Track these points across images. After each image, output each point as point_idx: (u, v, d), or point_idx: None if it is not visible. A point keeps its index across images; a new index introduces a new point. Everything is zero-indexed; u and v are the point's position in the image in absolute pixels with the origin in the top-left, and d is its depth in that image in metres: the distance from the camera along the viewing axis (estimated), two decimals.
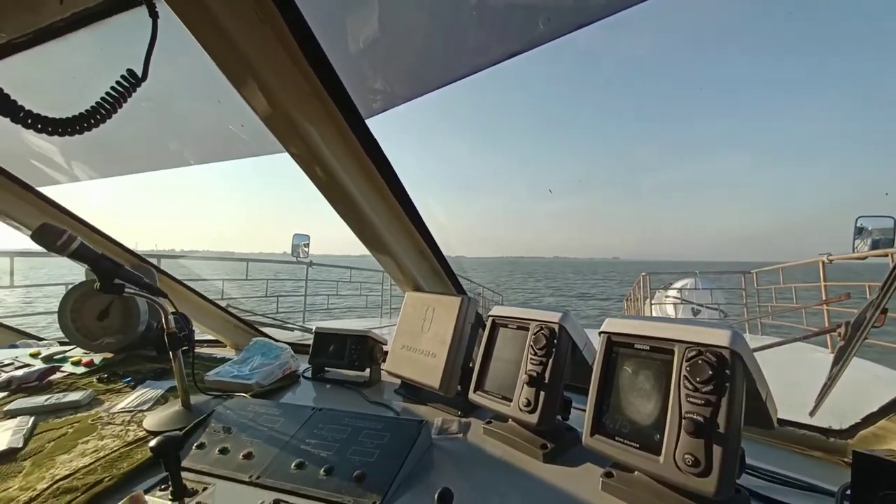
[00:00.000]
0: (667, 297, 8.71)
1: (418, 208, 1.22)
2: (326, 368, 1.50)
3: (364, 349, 1.40)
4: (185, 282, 1.93)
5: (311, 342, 1.54)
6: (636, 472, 0.81)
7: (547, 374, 0.95)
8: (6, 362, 1.67)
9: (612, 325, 0.86)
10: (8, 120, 1.67)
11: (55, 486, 0.92)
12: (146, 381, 1.44)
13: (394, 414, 1.20)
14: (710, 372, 0.69)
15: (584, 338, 1.01)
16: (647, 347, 0.80)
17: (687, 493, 0.72)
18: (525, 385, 0.96)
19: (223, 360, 1.60)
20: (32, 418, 1.21)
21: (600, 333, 0.88)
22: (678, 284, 9.04)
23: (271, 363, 1.43)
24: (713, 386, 0.68)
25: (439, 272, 1.39)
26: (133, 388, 1.40)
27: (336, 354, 1.44)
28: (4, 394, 1.40)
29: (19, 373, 1.48)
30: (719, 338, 0.71)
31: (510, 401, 1.00)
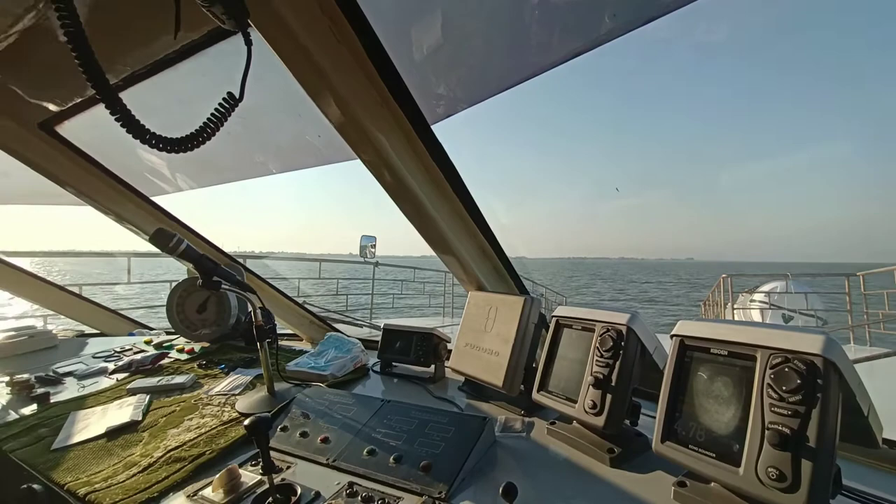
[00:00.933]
0: (752, 301, 7.90)
1: (480, 209, 1.25)
2: (394, 363, 1.57)
3: (429, 346, 1.45)
4: (268, 280, 2.12)
5: (378, 338, 1.63)
6: (712, 483, 0.77)
7: (614, 377, 0.92)
8: (127, 347, 1.95)
9: (686, 328, 0.82)
10: (127, 140, 1.94)
11: (167, 455, 1.07)
12: (237, 369, 1.61)
13: (458, 409, 1.23)
14: (799, 381, 0.64)
15: (654, 341, 0.97)
16: (725, 353, 0.76)
17: None
18: (590, 387, 0.94)
19: (301, 353, 1.74)
20: (148, 396, 1.41)
21: (672, 336, 0.84)
22: (766, 288, 8.16)
23: (344, 356, 1.54)
24: (801, 396, 0.63)
25: (502, 272, 1.40)
26: (226, 374, 1.57)
27: (403, 350, 1.51)
28: (126, 374, 1.63)
29: (137, 357, 1.72)
30: (810, 344, 0.66)
31: (575, 402, 0.99)
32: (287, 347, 1.96)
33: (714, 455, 0.71)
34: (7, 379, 1.54)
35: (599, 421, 0.91)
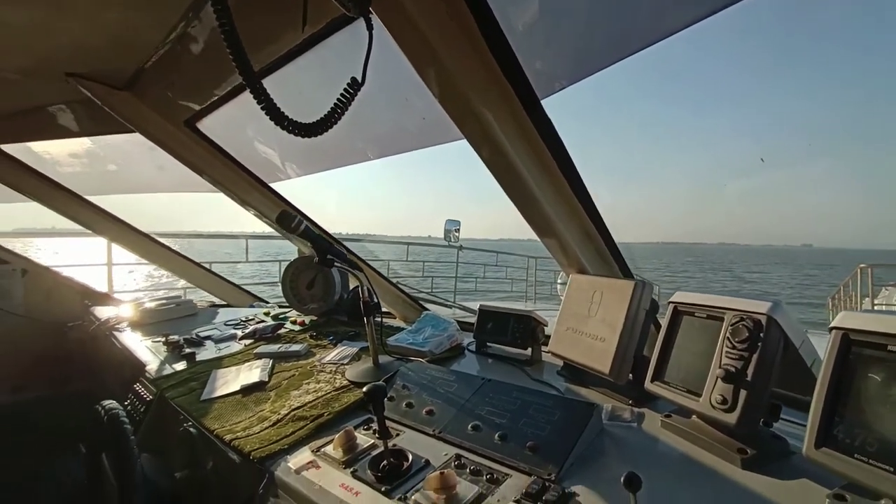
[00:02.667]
0: None
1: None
2: (489, 343, 1.58)
3: (527, 328, 1.43)
4: (365, 260, 2.25)
5: (468, 320, 1.66)
6: (883, 501, 0.66)
7: (749, 372, 0.83)
8: (250, 317, 2.21)
9: (851, 320, 0.70)
10: (246, 134, 2.14)
11: (292, 414, 1.19)
12: (343, 341, 1.74)
13: (559, 393, 1.20)
14: None
15: (801, 335, 0.85)
16: None
17: None
18: (719, 380, 0.85)
19: (397, 329, 1.83)
20: (271, 361, 1.58)
21: (832, 329, 0.72)
22: None
23: (440, 335, 1.58)
24: None
25: (605, 255, 1.32)
26: (334, 345, 1.71)
27: (499, 331, 1.51)
28: (251, 341, 1.86)
29: (260, 326, 1.94)
30: None
31: (698, 395, 0.90)
32: (385, 324, 2.07)
33: (892, 469, 0.61)
34: (163, 339, 1.83)
35: (731, 418, 0.83)
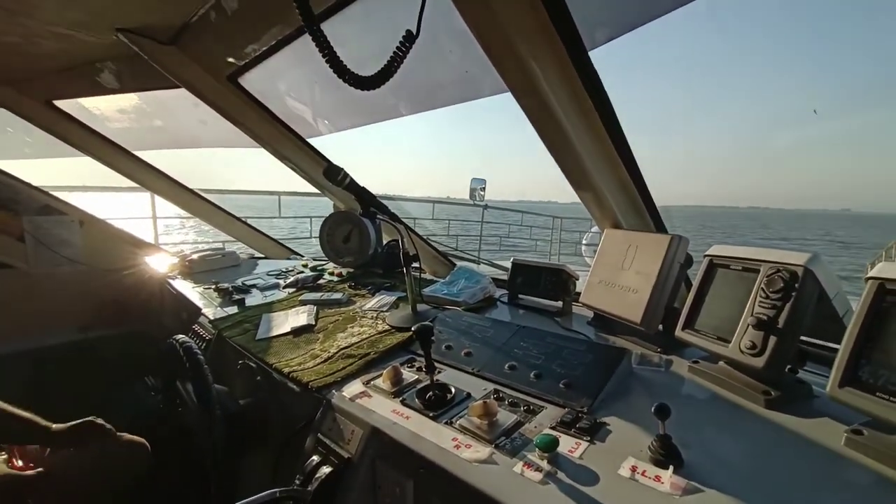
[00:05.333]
0: None
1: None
2: (520, 296, 1.65)
3: (559, 281, 1.49)
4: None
5: (496, 276, 1.72)
6: None
7: (781, 319, 0.87)
8: (290, 269, 2.34)
9: (889, 270, 0.73)
10: (279, 90, 2.16)
11: (340, 352, 1.30)
12: (380, 291, 1.84)
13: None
14: None
15: (836, 286, 0.88)
16: None
17: None
18: (751, 327, 0.90)
19: (430, 282, 1.92)
20: (315, 307, 1.70)
21: (868, 279, 0.75)
22: None
23: (473, 286, 1.66)
24: None
25: (641, 210, 1.34)
26: (372, 294, 1.81)
27: (531, 284, 1.58)
28: (294, 289, 1.98)
29: (301, 276, 2.06)
30: None
31: (727, 342, 0.95)
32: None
33: None
34: (213, 286, 1.98)
35: (758, 362, 0.88)
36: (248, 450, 1.25)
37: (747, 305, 0.94)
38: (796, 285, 0.86)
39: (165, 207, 3.56)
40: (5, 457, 0.90)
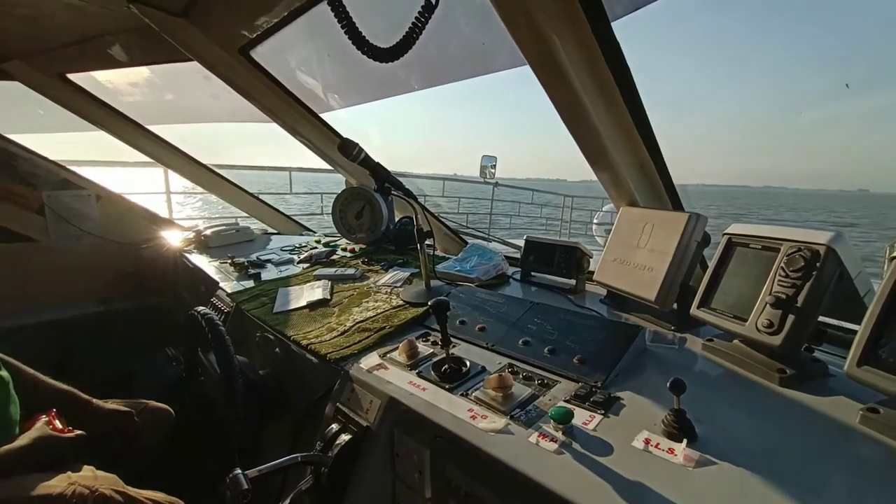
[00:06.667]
0: None
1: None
2: (533, 273, 1.66)
3: (573, 259, 1.49)
4: None
5: (508, 254, 1.72)
6: None
7: (800, 298, 0.86)
8: (303, 245, 2.36)
9: None
10: (289, 64, 2.12)
11: (356, 326, 1.33)
12: (393, 267, 1.86)
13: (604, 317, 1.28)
14: None
15: (858, 266, 0.87)
16: None
17: None
18: (768, 306, 0.90)
19: (441, 259, 1.93)
20: (330, 283, 1.72)
21: (892, 258, 0.74)
22: None
23: (486, 263, 1.66)
24: None
25: (658, 188, 1.32)
26: (385, 270, 1.83)
27: (544, 261, 1.58)
28: (308, 265, 2.00)
29: (315, 251, 2.09)
30: None
31: (743, 320, 0.95)
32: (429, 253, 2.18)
33: None
34: (229, 260, 2.01)
35: (775, 340, 0.88)
36: (269, 418, 1.30)
37: (765, 284, 0.93)
38: (817, 264, 0.86)
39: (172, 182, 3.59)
40: (47, 419, 0.95)
